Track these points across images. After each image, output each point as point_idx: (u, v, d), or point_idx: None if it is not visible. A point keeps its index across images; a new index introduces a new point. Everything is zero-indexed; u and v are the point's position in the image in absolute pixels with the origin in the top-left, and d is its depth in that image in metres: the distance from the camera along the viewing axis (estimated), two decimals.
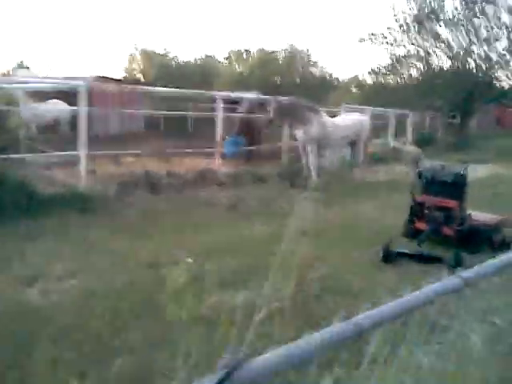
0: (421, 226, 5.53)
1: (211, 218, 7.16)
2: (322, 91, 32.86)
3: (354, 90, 30.14)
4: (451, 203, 5.35)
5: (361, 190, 10.12)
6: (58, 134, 14.98)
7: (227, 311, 3.58)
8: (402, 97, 23.14)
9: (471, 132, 24.76)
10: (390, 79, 23.88)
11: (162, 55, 30.10)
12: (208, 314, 3.55)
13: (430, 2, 21.67)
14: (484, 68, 22.78)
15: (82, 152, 7.94)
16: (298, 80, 32.71)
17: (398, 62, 22.97)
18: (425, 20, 21.65)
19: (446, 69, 23.51)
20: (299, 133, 10.81)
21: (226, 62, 38.18)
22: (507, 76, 23.33)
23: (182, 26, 71.50)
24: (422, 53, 22.88)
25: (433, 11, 21.44)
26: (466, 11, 21.69)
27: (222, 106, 9.59)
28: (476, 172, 14.43)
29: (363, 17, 68.71)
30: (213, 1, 70.34)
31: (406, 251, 5.01)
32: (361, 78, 27.32)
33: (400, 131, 20.51)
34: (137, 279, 4.24)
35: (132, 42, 66.38)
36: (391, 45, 22.49)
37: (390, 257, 4.89)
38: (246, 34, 71.99)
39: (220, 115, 9.58)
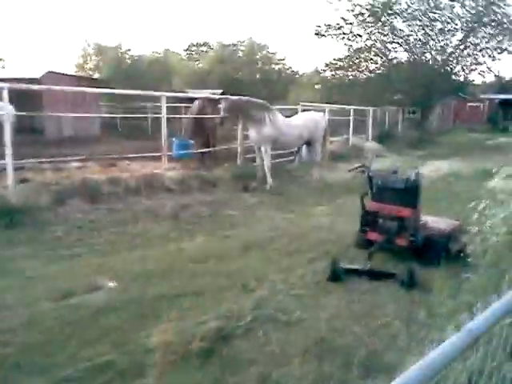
0: (373, 236, 5.09)
1: (149, 231, 6.56)
2: (283, 86, 32.52)
3: (315, 85, 29.80)
4: (404, 211, 4.92)
5: (315, 193, 9.72)
6: None
7: (136, 353, 3.05)
8: (362, 92, 22.99)
9: (431, 127, 24.85)
10: (348, 73, 23.61)
11: (114, 48, 28.98)
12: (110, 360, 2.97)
13: None
14: (440, 61, 22.82)
15: (8, 159, 7.19)
16: (258, 75, 32.12)
17: (355, 54, 22.70)
18: (380, 12, 21.45)
19: (403, 62, 23.44)
20: (252, 133, 10.33)
21: (185, 54, 37.40)
22: (463, 69, 23.44)
23: (136, 19, 69.76)
24: (379, 45, 22.69)
25: (387, 4, 21.27)
26: (421, 4, 21.63)
27: (165, 105, 8.93)
28: (435, 168, 14.41)
29: (323, 9, 68.52)
30: None
31: (355, 267, 4.56)
32: (321, 73, 26.92)
33: (361, 128, 20.31)
34: (38, 314, 3.61)
35: (84, 37, 64.51)
36: (347, 38, 22.20)
37: (337, 275, 4.42)
38: (203, 28, 70.79)
39: (164, 115, 8.93)
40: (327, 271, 4.45)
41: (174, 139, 11.11)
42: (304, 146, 11.56)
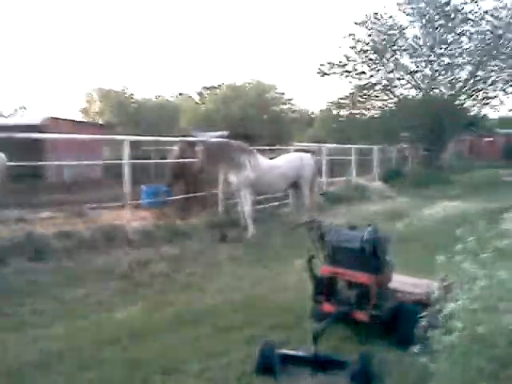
0: (328, 308, 4.10)
1: (91, 295, 5.68)
2: (291, 126, 31.98)
3: (320, 124, 29.18)
4: (362, 277, 3.93)
5: (299, 243, 8.71)
6: None
7: None
8: (368, 130, 22.19)
9: (443, 164, 23.74)
10: (353, 111, 22.87)
11: (119, 93, 28.93)
12: None
13: (389, 31, 20.95)
14: (449, 96, 21.97)
15: None
16: (266, 116, 31.69)
17: (359, 92, 22.01)
18: (383, 49, 20.85)
19: (411, 98, 22.64)
20: (232, 177, 9.53)
21: (198, 98, 37.34)
22: (474, 104, 22.51)
23: (139, 64, 71.08)
24: (385, 82, 21.98)
25: (390, 40, 20.70)
26: (427, 39, 20.99)
27: (127, 151, 8.20)
28: (442, 209, 13.28)
29: (329, 48, 69.02)
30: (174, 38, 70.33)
31: (294, 354, 3.56)
32: (323, 112, 26.31)
33: (368, 167, 19.39)
34: None
35: (89, 81, 65.85)
36: (351, 76, 21.58)
37: (268, 365, 3.43)
38: (212, 70, 71.88)
39: (126, 161, 8.19)
40: (256, 361, 3.46)
41: (142, 186, 10.37)
42: (291, 190, 10.68)
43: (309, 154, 10.61)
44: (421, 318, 3.79)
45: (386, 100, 23.00)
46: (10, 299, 5.39)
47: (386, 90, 22.73)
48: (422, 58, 21.83)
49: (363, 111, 23.38)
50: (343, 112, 23.65)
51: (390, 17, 21.01)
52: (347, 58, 21.08)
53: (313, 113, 33.81)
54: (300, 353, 3.56)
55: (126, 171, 8.18)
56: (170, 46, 76.88)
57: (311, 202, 10.57)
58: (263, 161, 9.73)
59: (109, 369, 3.51)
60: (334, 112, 24.13)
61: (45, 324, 4.64)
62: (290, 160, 10.10)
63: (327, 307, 4.12)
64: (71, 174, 21.40)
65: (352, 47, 20.96)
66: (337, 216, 11.81)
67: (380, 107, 23.53)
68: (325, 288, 4.12)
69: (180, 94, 38.91)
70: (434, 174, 20.91)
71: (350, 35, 21.08)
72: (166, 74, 73.48)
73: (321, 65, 21.60)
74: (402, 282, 4.74)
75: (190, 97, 37.81)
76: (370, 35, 21.05)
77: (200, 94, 38.27)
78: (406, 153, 22.73)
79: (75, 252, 7.27)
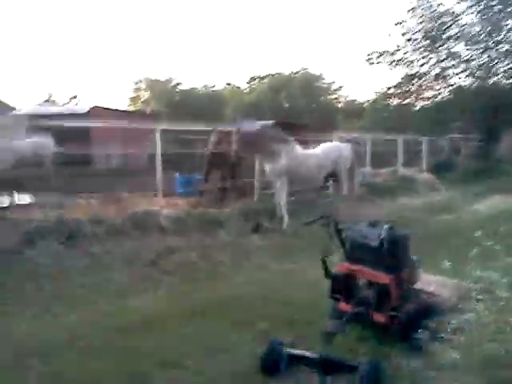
0: (345, 307, 3.87)
1: (113, 282, 5.72)
2: (339, 116, 31.34)
3: (369, 114, 28.35)
4: (381, 277, 3.67)
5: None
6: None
7: None
8: (418, 119, 21.32)
9: (498, 157, 22.48)
10: (404, 101, 21.98)
11: (165, 82, 29.21)
12: None
13: (441, 17, 19.92)
14: (508, 84, 20.72)
15: None
16: (314, 105, 31.20)
17: (409, 82, 21.10)
18: (436, 36, 19.87)
19: (465, 87, 21.51)
20: (267, 167, 9.36)
21: (247, 88, 37.20)
22: None
23: (186, 54, 71.16)
24: (436, 71, 20.97)
25: (443, 27, 19.69)
26: (483, 25, 19.82)
27: (159, 140, 8.18)
28: (491, 205, 12.53)
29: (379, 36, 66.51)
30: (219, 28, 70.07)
31: (303, 354, 3.36)
32: (372, 101, 25.48)
33: (416, 158, 18.65)
34: None
35: (138, 71, 66.81)
36: (402, 64, 20.72)
37: (274, 364, 3.25)
38: (261, 60, 71.31)
39: (158, 150, 8.17)
40: (261, 359, 3.30)
41: (176, 175, 10.34)
42: (331, 181, 10.38)
43: (347, 144, 10.21)
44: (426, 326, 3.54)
45: (438, 89, 21.95)
46: (33, 282, 5.49)
47: (439, 78, 21.68)
48: (478, 46, 20.64)
49: (414, 101, 22.44)
50: (393, 101, 22.80)
51: (439, 4, 20.07)
52: (397, 46, 20.25)
53: (362, 103, 32.88)
54: (307, 354, 3.36)
55: (158, 160, 8.16)
56: (218, 37, 76.79)
57: (351, 193, 10.24)
58: (300, 150, 9.47)
59: (111, 360, 3.45)
60: (384, 102, 23.31)
61: (61, 310, 4.67)
62: (326, 150, 9.76)
63: (344, 306, 3.89)
64: (119, 162, 21.84)
65: (403, 34, 20.09)
66: (376, 208, 11.45)
67: (432, 97, 22.52)
68: (342, 286, 3.89)
69: (228, 84, 38.90)
70: (488, 166, 19.85)
71: (400, 23, 20.23)
72: (214, 64, 73.75)
73: (369, 54, 20.92)
74: (431, 282, 4.44)
75: (238, 87, 37.69)
76: (420, 22, 20.09)
77: (248, 83, 38.16)
78: (459, 144, 21.69)
79: (105, 238, 7.32)
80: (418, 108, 22.45)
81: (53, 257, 6.46)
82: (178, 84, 29.81)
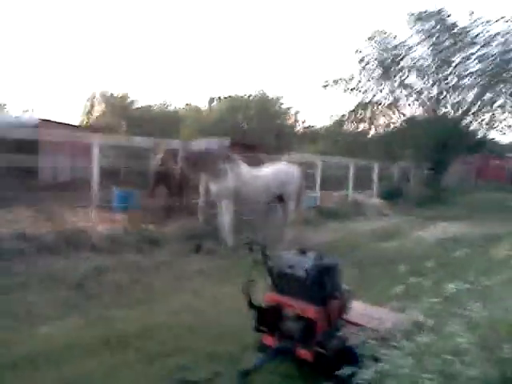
0: (269, 340, 3.59)
1: (30, 304, 5.21)
2: (295, 139, 31.53)
3: (323, 138, 28.70)
4: (307, 310, 3.41)
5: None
6: None
7: None
8: (370, 146, 21.67)
9: (447, 185, 23.09)
10: (356, 127, 22.35)
11: (121, 98, 28.69)
12: None
13: (395, 49, 20.49)
14: (456, 116, 21.39)
15: None
16: (270, 127, 31.28)
17: (363, 108, 21.50)
18: (390, 66, 20.38)
19: (416, 117, 22.09)
20: (212, 186, 9.06)
21: (206, 109, 36.95)
22: (481, 125, 21.90)
23: (144, 72, 70.41)
24: (390, 100, 21.48)
25: (396, 57, 20.23)
26: (434, 59, 20.49)
27: (97, 152, 7.77)
28: (438, 231, 12.69)
29: (333, 63, 67.99)
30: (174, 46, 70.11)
31: None
32: (325, 126, 25.89)
33: (366, 183, 18.81)
34: None
35: (92, 86, 65.78)
36: (356, 91, 21.10)
37: None
38: (218, 83, 71.28)
39: (95, 162, 7.76)
40: None
41: (114, 189, 9.91)
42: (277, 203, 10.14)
43: (295, 167, 10.03)
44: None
45: (391, 118, 22.46)
46: None
47: (392, 107, 22.19)
48: (428, 78, 21.30)
49: (368, 127, 22.83)
50: (348, 127, 23.10)
51: (395, 37, 20.70)
52: (352, 75, 20.71)
53: (318, 128, 33.28)
54: None
55: (95, 173, 7.73)
56: (178, 56, 76.37)
57: (297, 217, 10.05)
58: (247, 170, 9.20)
59: None
60: (338, 128, 23.59)
61: None
62: (275, 171, 9.50)
63: (269, 340, 3.61)
64: (66, 175, 21.04)
65: (359, 61, 20.49)
66: (322, 232, 11.34)
67: (385, 125, 22.98)
68: (268, 318, 3.61)
69: (187, 105, 38.56)
70: (436, 194, 20.32)
71: (357, 51, 20.65)
72: (173, 84, 73.00)
73: (326, 80, 21.25)
74: (366, 313, 4.21)
75: (198, 107, 37.43)
76: (376, 52, 20.61)
77: (208, 104, 37.98)
78: (409, 171, 22.12)
79: (31, 255, 6.81)
80: (370, 135, 22.80)
81: None
82: (134, 101, 29.46)
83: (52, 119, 21.76)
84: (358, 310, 4.11)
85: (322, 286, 3.43)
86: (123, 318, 4.90)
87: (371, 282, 6.44)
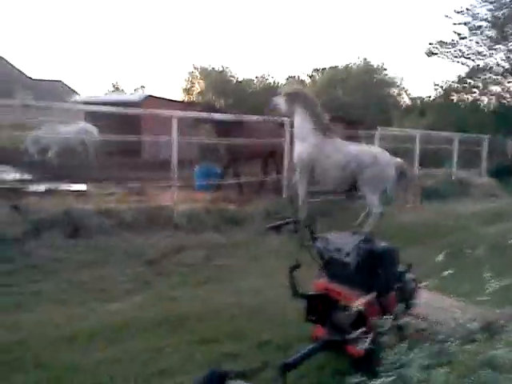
0: (319, 332, 3.28)
1: (103, 279, 5.42)
2: (399, 112, 29.88)
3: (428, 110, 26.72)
4: (357, 301, 3.04)
5: None
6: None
7: None
8: (482, 118, 19.74)
9: None
10: (466, 97, 20.41)
11: (220, 72, 28.90)
12: None
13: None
14: None
15: None
16: (373, 100, 29.92)
17: (473, 75, 19.53)
18: (503, 25, 18.17)
19: None
20: (296, 149, 8.39)
21: (309, 81, 36.34)
22: None
23: (242, 45, 70.64)
24: (504, 64, 19.29)
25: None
26: None
27: (175, 128, 7.79)
28: None
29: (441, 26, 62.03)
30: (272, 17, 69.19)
31: None
32: (431, 98, 23.89)
33: (474, 160, 17.24)
34: None
35: (190, 61, 67.11)
36: (464, 56, 19.20)
37: None
38: (321, 52, 69.61)
39: (174, 137, 7.79)
40: None
41: (196, 167, 9.90)
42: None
43: (377, 152, 8.29)
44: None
45: (505, 86, 20.23)
46: (22, 275, 5.30)
47: (508, 73, 19.95)
48: None
49: (479, 96, 20.82)
50: (456, 97, 21.26)
51: None
52: (459, 35, 18.69)
53: (424, 98, 31.13)
54: None
55: (174, 150, 7.78)
56: (278, 28, 75.81)
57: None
58: (333, 145, 8.08)
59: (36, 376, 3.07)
60: (445, 99, 21.73)
61: (27, 308, 4.39)
62: (350, 154, 8.02)
63: (320, 331, 3.30)
64: (168, 153, 21.87)
65: (466, 23, 18.51)
66: (419, 213, 10.51)
67: (499, 93, 20.79)
68: (318, 307, 3.30)
69: (289, 77, 38.17)
70: None
71: (466, 10, 18.62)
72: (275, 57, 72.88)
73: (430, 44, 19.53)
74: (447, 307, 3.72)
75: (301, 80, 36.93)
76: (490, 10, 18.40)
77: (311, 76, 37.29)
78: None
79: (113, 231, 7.06)
80: (482, 105, 20.78)
81: (54, 249, 6.27)
82: (234, 75, 29.59)
83: (159, 96, 22.72)
84: (433, 302, 3.66)
85: (372, 273, 3.03)
86: (187, 298, 4.85)
87: (462, 273, 5.79)
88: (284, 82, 36.28)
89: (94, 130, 15.00)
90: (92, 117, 16.63)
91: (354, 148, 8.30)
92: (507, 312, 3.44)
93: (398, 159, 8.40)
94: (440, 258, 3.36)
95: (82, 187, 9.61)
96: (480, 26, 18.42)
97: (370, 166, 7.90)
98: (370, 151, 8.34)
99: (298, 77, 37.23)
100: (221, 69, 29.46)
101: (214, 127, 10.20)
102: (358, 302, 3.01)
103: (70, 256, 6.11)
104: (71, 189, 9.05)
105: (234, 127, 9.62)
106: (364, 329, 2.98)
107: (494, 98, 20.82)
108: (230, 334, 3.87)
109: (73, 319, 4.16)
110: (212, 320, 4.18)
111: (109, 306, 4.63)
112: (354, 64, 31.67)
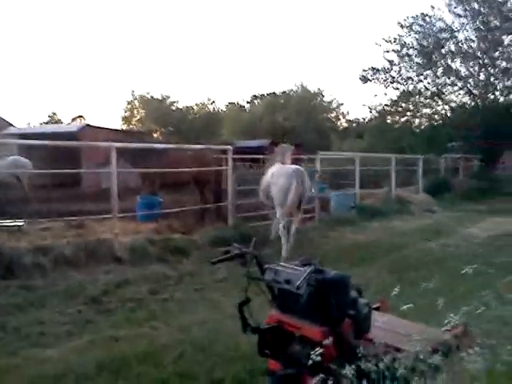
0: (273, 365, 3.15)
1: (32, 325, 4.99)
2: (338, 135, 30.75)
3: (364, 133, 27.73)
4: (312, 331, 2.94)
5: None
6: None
7: None
8: (414, 139, 20.64)
9: (499, 176, 21.69)
10: (398, 119, 21.34)
11: (161, 101, 28.71)
12: None
13: (438, 33, 19.36)
14: (507, 102, 20.06)
15: None
16: (311, 124, 30.64)
17: (404, 99, 20.50)
18: (433, 52, 19.29)
19: (462, 105, 20.88)
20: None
21: (248, 107, 36.73)
22: None
23: (182, 72, 71.30)
24: (433, 88, 20.37)
25: (440, 43, 19.10)
26: (481, 42, 19.25)
27: (114, 158, 7.54)
28: (490, 227, 11.72)
29: (372, 53, 65.79)
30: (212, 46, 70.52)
31: None
32: (366, 119, 24.85)
33: (411, 178, 17.91)
34: None
35: (129, 89, 66.85)
36: (397, 81, 20.13)
37: None
38: (259, 80, 71.54)
39: (114, 168, 7.52)
40: None
41: (138, 197, 9.67)
42: None
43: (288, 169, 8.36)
44: None
45: (434, 108, 21.34)
46: None
47: (436, 96, 21.07)
48: (475, 62, 20.06)
49: (410, 119, 21.80)
50: (389, 119, 22.14)
51: (440, 19, 19.45)
52: (390, 62, 19.65)
53: (361, 122, 32.24)
54: None
55: (113, 181, 7.50)
56: (218, 56, 77.08)
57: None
58: (275, 169, 8.45)
59: None
60: (380, 121, 22.59)
61: None
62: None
63: (272, 364, 3.16)
64: (108, 183, 21.22)
65: (396, 51, 19.51)
66: (362, 232, 10.73)
67: (429, 115, 21.87)
68: (271, 340, 3.17)
69: (230, 103, 38.51)
70: (487, 186, 19.11)
71: (395, 39, 19.67)
72: (214, 84, 73.86)
73: (363, 70, 20.35)
74: (398, 331, 3.66)
75: (241, 106, 37.30)
76: (417, 39, 19.52)
77: (250, 102, 37.78)
78: (457, 164, 20.93)
79: (51, 269, 6.65)
80: (414, 126, 21.77)
81: None
82: (173, 102, 29.41)
83: (98, 125, 22.16)
84: (389, 326, 3.60)
85: (325, 303, 2.94)
86: (131, 337, 4.58)
87: (410, 290, 5.85)
88: (224, 108, 36.66)
89: (26, 162, 14.30)
90: (26, 149, 15.94)
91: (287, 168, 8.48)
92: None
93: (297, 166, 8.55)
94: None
95: (16, 223, 9.05)
96: (409, 54, 19.48)
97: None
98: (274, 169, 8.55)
99: (238, 103, 37.67)
100: (160, 97, 29.31)
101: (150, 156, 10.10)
102: (313, 333, 2.90)
103: (2, 299, 5.66)
104: (3, 225, 8.49)
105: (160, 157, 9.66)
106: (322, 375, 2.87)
107: (424, 119, 21.85)
108: (179, 373, 3.67)
109: (2, 372, 3.78)
110: (159, 359, 3.95)
111: (47, 352, 4.28)
112: (291, 90, 32.43)
